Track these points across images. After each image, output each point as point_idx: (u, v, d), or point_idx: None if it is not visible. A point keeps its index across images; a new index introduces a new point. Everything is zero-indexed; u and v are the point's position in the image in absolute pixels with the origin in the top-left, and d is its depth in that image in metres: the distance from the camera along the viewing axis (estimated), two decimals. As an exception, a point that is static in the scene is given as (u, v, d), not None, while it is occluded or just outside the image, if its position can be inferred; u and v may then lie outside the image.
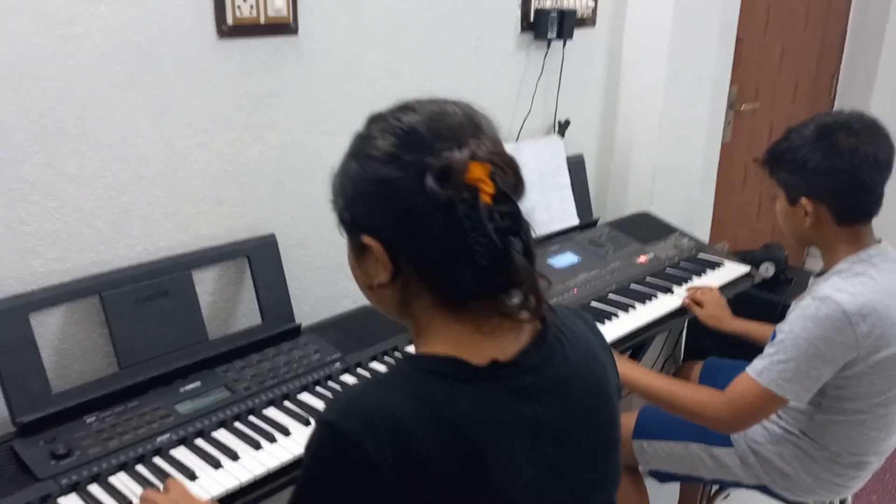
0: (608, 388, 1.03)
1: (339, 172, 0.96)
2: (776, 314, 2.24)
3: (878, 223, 1.68)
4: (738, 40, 3.06)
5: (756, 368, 1.63)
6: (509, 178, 0.87)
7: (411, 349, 1.04)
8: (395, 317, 1.00)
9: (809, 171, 1.61)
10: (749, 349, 2.11)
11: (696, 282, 2.27)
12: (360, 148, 0.93)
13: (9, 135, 1.44)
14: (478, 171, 0.84)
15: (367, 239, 0.92)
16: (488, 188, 0.84)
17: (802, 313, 1.59)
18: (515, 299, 0.92)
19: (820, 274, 1.74)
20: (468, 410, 0.88)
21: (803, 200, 1.65)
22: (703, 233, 3.06)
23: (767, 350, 1.63)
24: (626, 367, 1.72)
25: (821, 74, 3.78)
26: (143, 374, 1.58)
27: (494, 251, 0.85)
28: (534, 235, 0.91)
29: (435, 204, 0.85)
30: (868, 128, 1.60)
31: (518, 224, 0.87)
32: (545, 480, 0.93)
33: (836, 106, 3.91)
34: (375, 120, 0.94)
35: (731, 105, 3.21)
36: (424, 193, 0.85)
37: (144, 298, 1.61)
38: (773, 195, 1.74)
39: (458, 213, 0.84)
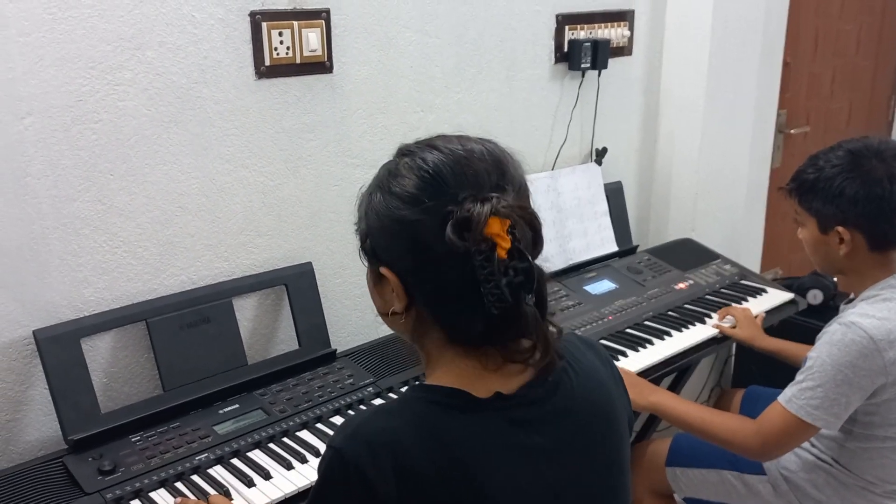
0: (616, 418, 1.04)
1: (366, 199, 0.99)
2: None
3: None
4: (786, 64, 3.04)
5: (786, 396, 1.62)
6: (528, 234, 0.90)
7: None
8: (408, 340, 1.04)
9: (847, 199, 1.61)
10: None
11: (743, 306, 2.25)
12: (386, 182, 0.96)
13: (62, 174, 1.56)
14: (496, 227, 0.87)
15: (384, 270, 0.97)
16: (505, 243, 0.87)
17: (829, 339, 1.58)
18: (525, 344, 0.95)
19: (849, 301, 1.73)
20: (466, 436, 0.92)
21: (839, 229, 1.64)
22: (752, 259, 3.03)
23: (797, 377, 1.63)
24: (659, 397, 1.73)
25: (875, 96, 3.70)
26: (185, 397, 1.66)
27: (505, 304, 0.88)
28: (548, 286, 0.94)
29: (451, 252, 0.88)
30: None
31: (530, 280, 0.89)
32: (544, 503, 0.96)
33: (895, 131, 3.82)
34: (404, 154, 0.97)
35: (780, 129, 3.18)
36: (442, 240, 0.88)
37: (187, 325, 1.71)
38: (800, 223, 1.73)
39: (474, 263, 0.87)
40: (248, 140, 1.79)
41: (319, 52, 1.84)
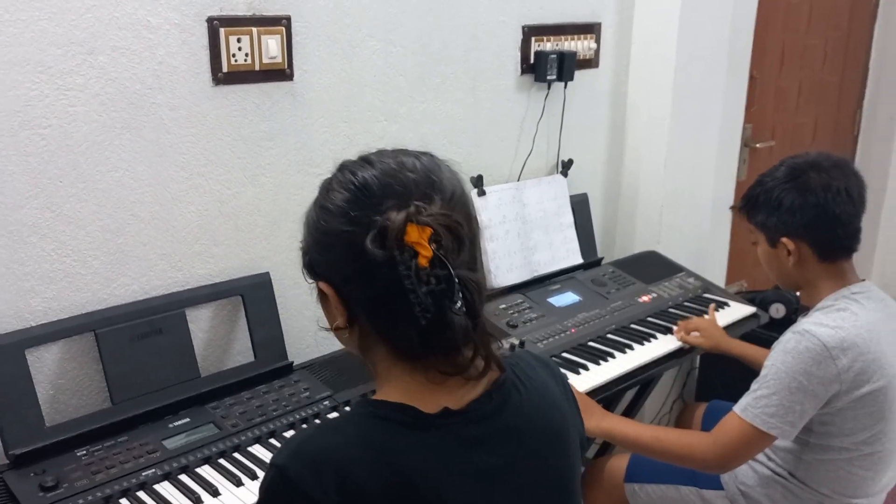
0: (567, 436, 1.03)
1: (305, 216, 1.00)
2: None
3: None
4: (753, 78, 3.06)
5: (741, 405, 1.62)
6: (452, 243, 0.88)
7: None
8: (359, 356, 1.03)
9: (785, 210, 1.63)
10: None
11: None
12: (321, 197, 0.97)
13: (9, 180, 1.51)
14: (415, 235, 0.86)
15: (322, 285, 0.97)
16: (426, 252, 0.86)
17: (783, 348, 1.59)
18: (465, 356, 0.93)
19: (805, 312, 1.74)
20: (415, 456, 0.91)
21: (784, 240, 1.65)
22: (718, 272, 3.04)
23: (752, 386, 1.63)
24: (610, 422, 1.71)
25: (842, 111, 3.74)
26: (134, 410, 1.62)
27: (429, 313, 0.87)
28: (480, 295, 0.92)
29: (378, 262, 0.87)
30: (837, 165, 1.64)
31: (451, 289, 0.88)
32: None
33: (860, 144, 3.86)
34: (340, 169, 0.98)
35: (746, 143, 3.20)
36: (367, 251, 0.88)
37: (138, 336, 1.67)
38: (754, 240, 1.75)
39: (400, 273, 0.87)
40: (204, 147, 1.75)
41: (279, 60, 1.81)
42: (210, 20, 1.70)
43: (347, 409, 1.74)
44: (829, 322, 1.58)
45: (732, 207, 1.80)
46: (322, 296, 0.99)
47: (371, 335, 0.96)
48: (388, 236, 0.87)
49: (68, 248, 1.61)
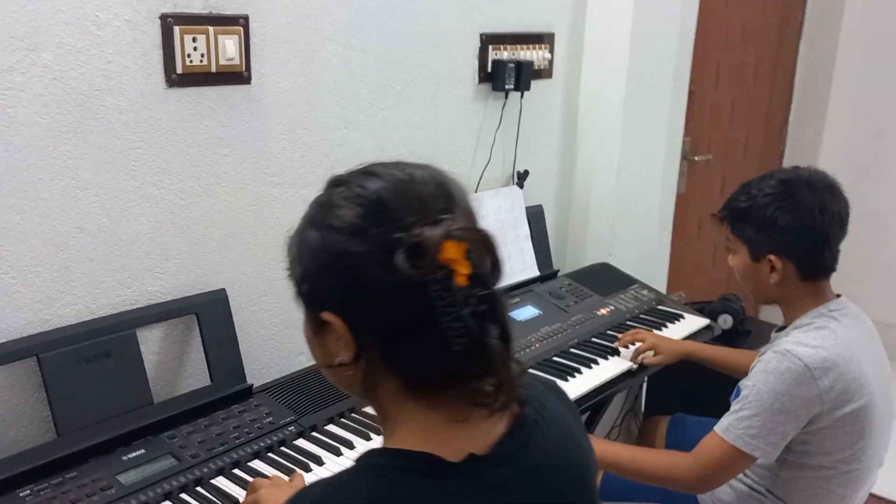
0: (587, 470, 0.97)
1: (297, 239, 0.89)
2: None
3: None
4: (691, 93, 3.11)
5: (722, 426, 1.60)
6: (487, 258, 0.81)
7: (370, 410, 0.97)
8: (355, 395, 0.92)
9: (779, 229, 1.61)
10: (714, 404, 2.10)
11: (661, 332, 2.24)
12: (322, 216, 0.86)
13: (-61, 188, 1.36)
14: (453, 251, 0.78)
15: (327, 315, 0.85)
16: (464, 269, 0.78)
17: (765, 368, 1.57)
18: (488, 386, 0.84)
19: (781, 329, 1.73)
20: None
21: (771, 257, 1.64)
22: (660, 282, 3.06)
23: (733, 407, 1.61)
24: None
25: (770, 128, 3.85)
26: (82, 442, 1.47)
27: (468, 337, 0.79)
28: (510, 317, 0.85)
29: (403, 284, 0.79)
30: (829, 187, 1.63)
31: (495, 309, 0.81)
32: None
33: (786, 159, 3.98)
34: (337, 184, 0.88)
35: (685, 156, 3.24)
36: (392, 271, 0.79)
37: (85, 360, 1.52)
38: (731, 250, 1.73)
39: (431, 294, 0.78)
40: (156, 154, 1.62)
41: (237, 62, 1.70)
42: (164, 17, 1.58)
43: (316, 434, 1.64)
44: (810, 341, 1.57)
45: (713, 215, 1.77)
46: (318, 329, 0.88)
47: (379, 370, 0.86)
48: (425, 254, 0.78)
49: (7, 263, 1.45)
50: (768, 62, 3.67)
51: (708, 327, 2.40)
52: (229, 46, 1.68)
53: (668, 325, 2.33)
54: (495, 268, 0.83)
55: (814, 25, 3.80)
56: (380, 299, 0.81)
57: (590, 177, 2.65)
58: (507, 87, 2.28)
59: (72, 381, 1.50)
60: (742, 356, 2.00)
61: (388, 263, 0.79)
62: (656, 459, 1.65)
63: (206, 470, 1.49)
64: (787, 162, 3.98)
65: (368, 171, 0.87)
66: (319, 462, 1.55)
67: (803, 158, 3.93)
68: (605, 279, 2.53)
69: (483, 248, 0.81)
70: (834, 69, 3.86)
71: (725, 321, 2.68)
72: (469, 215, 0.86)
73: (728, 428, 1.58)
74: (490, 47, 2.27)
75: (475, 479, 0.84)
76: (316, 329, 0.89)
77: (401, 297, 0.80)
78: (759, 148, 3.81)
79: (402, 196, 0.83)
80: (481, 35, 2.24)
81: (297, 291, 0.90)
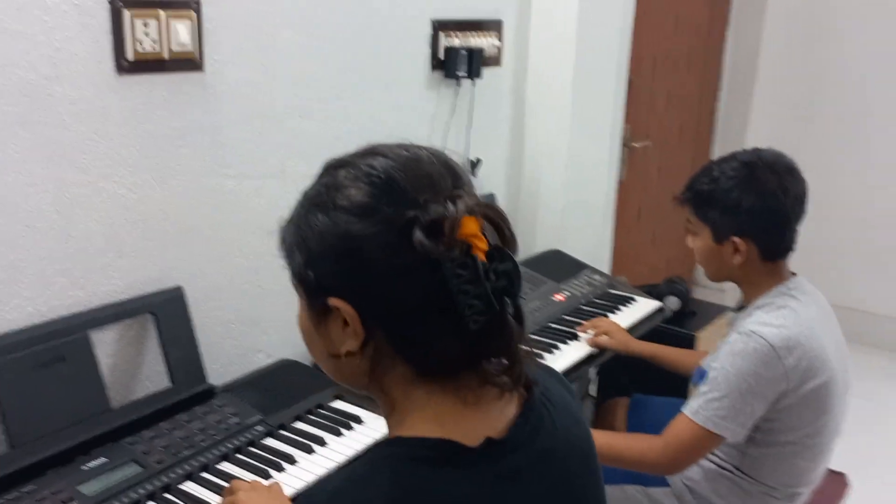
0: (591, 453, 0.96)
1: (297, 224, 0.85)
2: (686, 347, 2.28)
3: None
4: (630, 82, 3.15)
5: (692, 408, 1.62)
6: (504, 232, 0.80)
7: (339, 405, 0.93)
8: (358, 388, 0.89)
9: (743, 210, 1.64)
10: (671, 383, 2.14)
11: (613, 317, 2.26)
12: (327, 197, 0.82)
13: None
14: (472, 227, 0.76)
15: (335, 301, 0.81)
16: (482, 244, 0.76)
17: (731, 349, 1.60)
18: (496, 365, 0.82)
19: (740, 308, 1.77)
20: (459, 499, 0.79)
21: (735, 239, 1.67)
22: (605, 268, 3.10)
23: (701, 388, 1.63)
24: None
25: (702, 116, 3.95)
26: (39, 453, 1.40)
27: (489, 314, 0.77)
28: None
29: (418, 263, 0.76)
30: (789, 168, 1.67)
31: (514, 284, 0.79)
32: None
33: (715, 146, 4.08)
34: (338, 166, 0.84)
35: (626, 143, 3.29)
36: (405, 251, 0.76)
37: (37, 365, 1.44)
38: (693, 231, 1.75)
39: (448, 272, 0.76)
40: (108, 146, 1.54)
41: (190, 48, 1.63)
42: (113, 1, 1.50)
43: (285, 432, 1.58)
44: (773, 321, 1.60)
45: (675, 198, 1.78)
46: (321, 317, 0.84)
47: (387, 356, 0.83)
48: (443, 231, 0.76)
49: (-51, 265, 1.36)
50: (699, 53, 3.75)
51: (660, 309, 2.44)
52: (182, 31, 1.61)
53: (622, 307, 2.36)
54: (511, 242, 0.81)
55: (740, 16, 3.90)
56: (390, 280, 0.79)
57: (539, 165, 2.66)
58: (459, 74, 2.26)
59: (24, 389, 1.41)
60: (687, 356, 2.06)
61: (402, 243, 0.77)
62: (629, 446, 1.66)
63: (173, 475, 1.43)
64: (718, 150, 4.09)
65: (373, 151, 0.84)
66: (292, 461, 1.50)
67: (731, 146, 4.03)
68: (557, 265, 2.54)
69: (499, 223, 0.80)
70: (759, 59, 3.98)
71: (672, 303, 2.73)
72: (473, 193, 0.84)
73: (698, 410, 1.60)
74: (441, 34, 2.24)
75: (492, 468, 0.82)
76: (318, 317, 0.85)
77: (414, 277, 0.78)
78: (691, 136, 3.90)
79: (413, 174, 0.80)
80: (433, 21, 2.21)
81: (297, 280, 0.86)
